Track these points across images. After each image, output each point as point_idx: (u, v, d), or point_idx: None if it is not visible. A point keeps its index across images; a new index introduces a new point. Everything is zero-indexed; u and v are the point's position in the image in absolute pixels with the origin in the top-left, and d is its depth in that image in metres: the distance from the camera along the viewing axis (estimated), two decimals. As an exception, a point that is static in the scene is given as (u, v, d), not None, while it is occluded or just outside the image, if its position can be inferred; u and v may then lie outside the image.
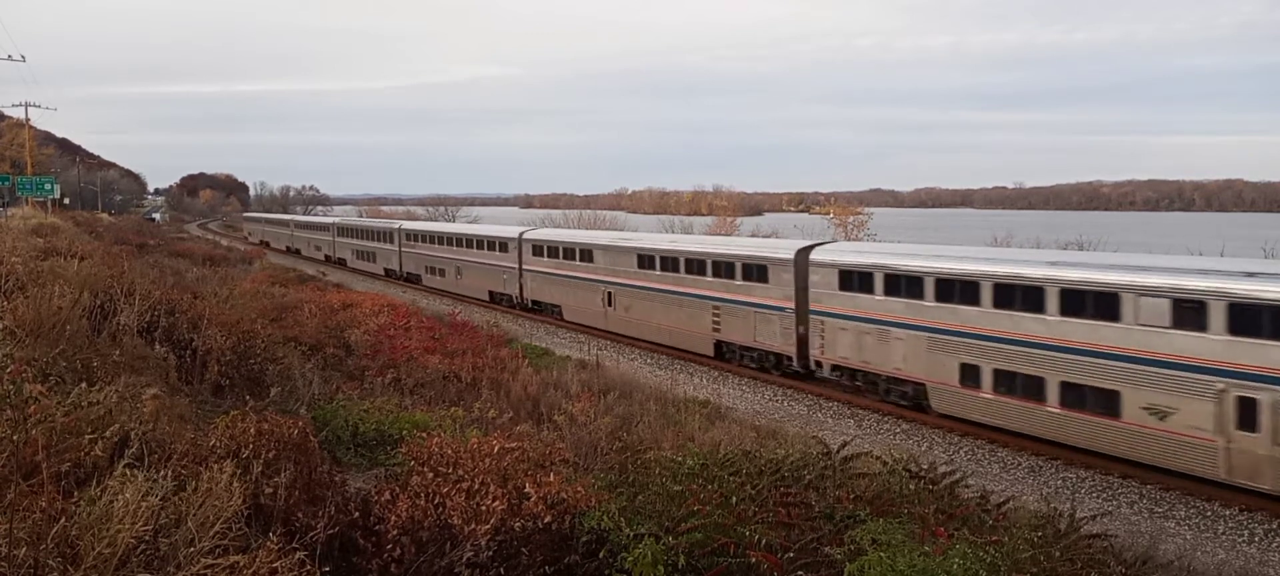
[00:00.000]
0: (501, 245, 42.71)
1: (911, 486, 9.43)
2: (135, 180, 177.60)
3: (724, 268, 27.86)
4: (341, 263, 67.49)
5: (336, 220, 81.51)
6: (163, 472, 6.62)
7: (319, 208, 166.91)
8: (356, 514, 7.77)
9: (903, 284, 21.44)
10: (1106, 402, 17.12)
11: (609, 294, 33.52)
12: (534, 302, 39.76)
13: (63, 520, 5.47)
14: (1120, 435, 17.05)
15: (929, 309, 20.67)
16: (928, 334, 20.68)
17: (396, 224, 62.00)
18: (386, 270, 57.87)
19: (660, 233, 59.32)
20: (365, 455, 12.24)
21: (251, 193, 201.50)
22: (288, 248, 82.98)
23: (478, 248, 45.45)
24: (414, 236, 55.04)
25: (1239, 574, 13.15)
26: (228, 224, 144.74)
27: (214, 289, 25.86)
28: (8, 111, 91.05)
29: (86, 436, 6.96)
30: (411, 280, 53.94)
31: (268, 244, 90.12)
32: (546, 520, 7.64)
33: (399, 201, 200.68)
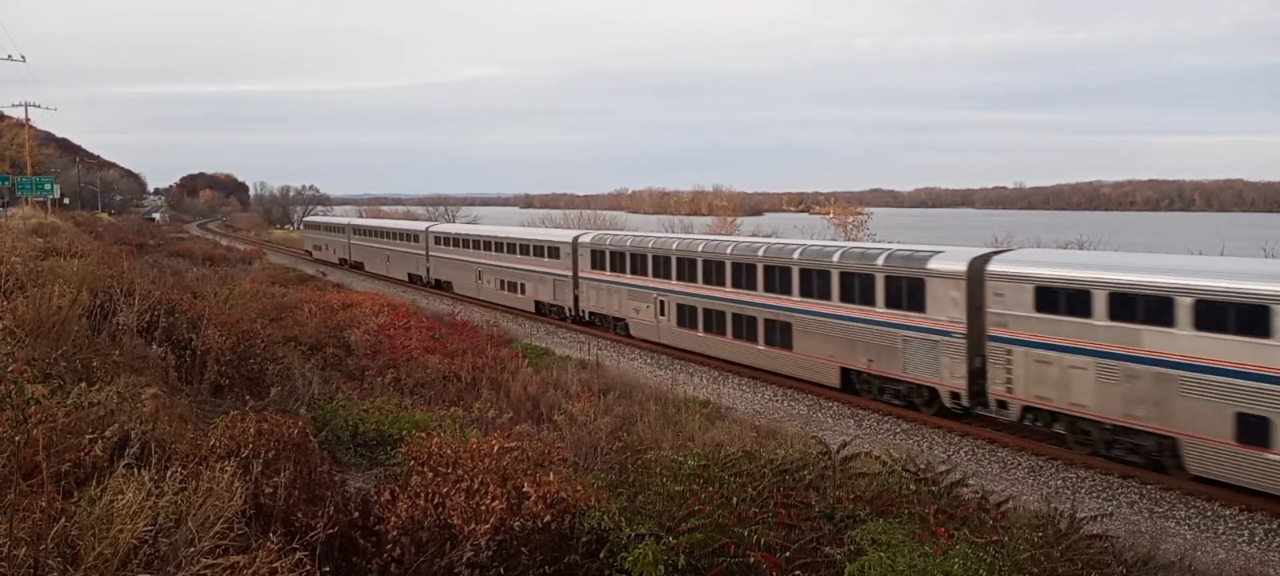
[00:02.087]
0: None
1: (911, 486, 9.41)
2: (135, 180, 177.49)
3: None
4: (585, 323, 36.17)
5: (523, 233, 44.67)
6: (170, 472, 6.62)
7: (319, 207, 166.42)
8: (356, 514, 7.78)
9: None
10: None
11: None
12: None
13: (63, 520, 5.47)
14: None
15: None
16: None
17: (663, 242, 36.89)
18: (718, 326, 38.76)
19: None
20: (365, 455, 12.25)
21: (251, 193, 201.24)
22: (411, 274, 52.96)
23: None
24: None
25: (1240, 574, 13.14)
26: (228, 223, 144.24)
27: (214, 289, 25.87)
28: (8, 111, 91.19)
29: (87, 436, 6.96)
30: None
31: (361, 266, 61.21)
32: (546, 520, 7.64)
33: (399, 201, 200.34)
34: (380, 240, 59.38)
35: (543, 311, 39.45)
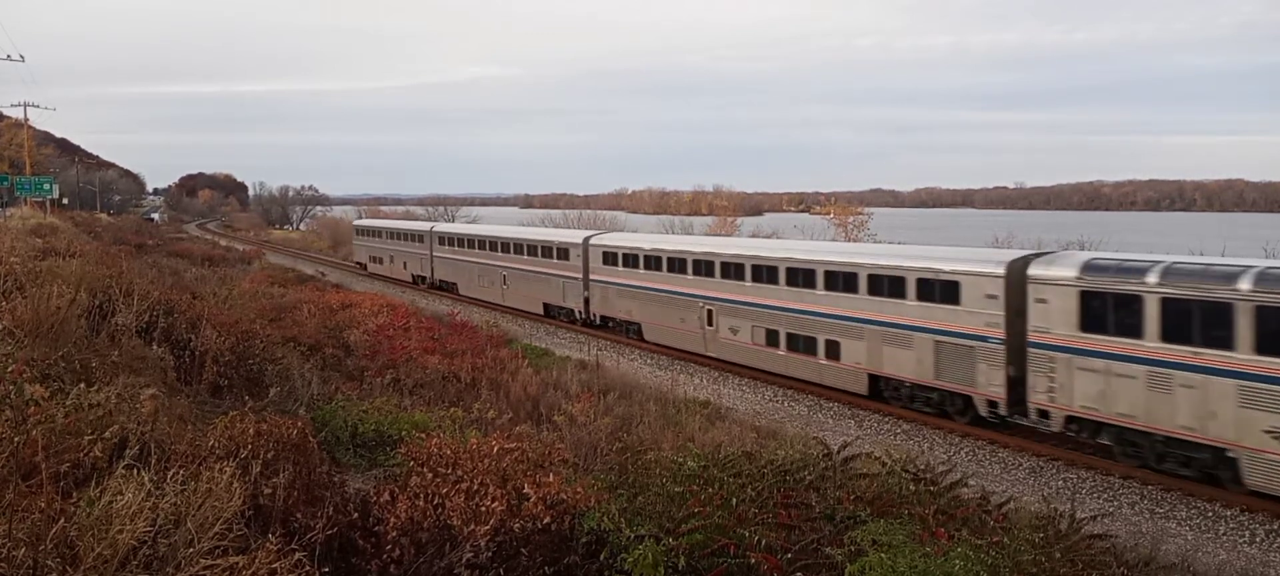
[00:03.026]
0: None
1: (912, 487, 9.41)
2: (134, 180, 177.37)
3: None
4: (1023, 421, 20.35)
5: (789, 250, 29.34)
6: (169, 473, 6.61)
7: (318, 208, 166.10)
8: (356, 514, 7.76)
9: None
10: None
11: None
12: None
13: (62, 520, 5.46)
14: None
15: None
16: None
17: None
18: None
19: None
20: (365, 455, 12.24)
21: (251, 193, 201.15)
22: (550, 305, 39.25)
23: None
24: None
25: (1240, 574, 13.14)
26: (227, 224, 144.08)
27: (213, 289, 25.86)
28: (7, 111, 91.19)
29: (86, 437, 6.95)
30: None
31: (451, 287, 47.49)
32: (546, 521, 7.63)
33: (399, 201, 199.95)
34: (490, 254, 43.76)
35: (882, 393, 22.91)
